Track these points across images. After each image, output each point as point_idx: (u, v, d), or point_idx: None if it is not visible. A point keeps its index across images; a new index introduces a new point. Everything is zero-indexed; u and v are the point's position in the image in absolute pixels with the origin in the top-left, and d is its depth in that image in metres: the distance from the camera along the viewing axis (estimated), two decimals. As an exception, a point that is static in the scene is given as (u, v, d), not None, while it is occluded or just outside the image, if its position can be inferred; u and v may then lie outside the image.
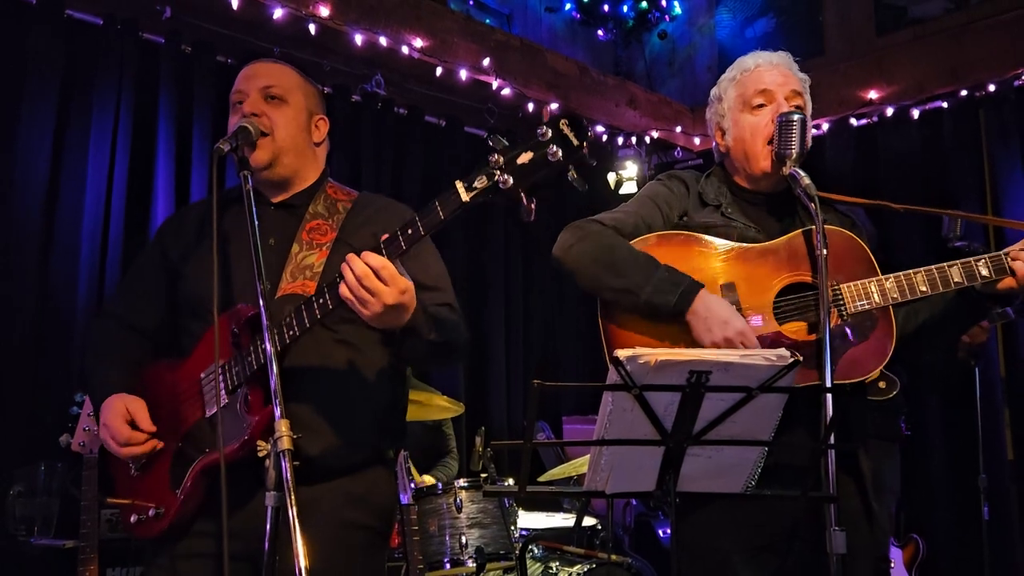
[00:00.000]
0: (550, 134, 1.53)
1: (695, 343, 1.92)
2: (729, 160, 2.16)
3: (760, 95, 2.08)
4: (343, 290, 1.63)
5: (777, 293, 1.98)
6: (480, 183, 1.57)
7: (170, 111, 4.28)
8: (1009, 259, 1.89)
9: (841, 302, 1.92)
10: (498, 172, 1.55)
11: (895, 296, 1.92)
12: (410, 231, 1.63)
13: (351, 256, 1.63)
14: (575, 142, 1.52)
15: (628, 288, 1.95)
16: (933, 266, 1.92)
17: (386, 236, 1.65)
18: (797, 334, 1.95)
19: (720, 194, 2.12)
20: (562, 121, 1.53)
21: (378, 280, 1.61)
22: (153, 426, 1.87)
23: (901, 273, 1.93)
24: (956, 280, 1.91)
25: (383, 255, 1.63)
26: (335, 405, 1.87)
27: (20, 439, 3.60)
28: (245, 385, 1.77)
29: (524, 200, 1.55)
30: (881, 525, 2.02)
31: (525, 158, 1.54)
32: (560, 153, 1.52)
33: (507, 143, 1.57)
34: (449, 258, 1.82)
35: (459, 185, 1.59)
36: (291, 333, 1.74)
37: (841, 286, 1.93)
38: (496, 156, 1.56)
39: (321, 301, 1.70)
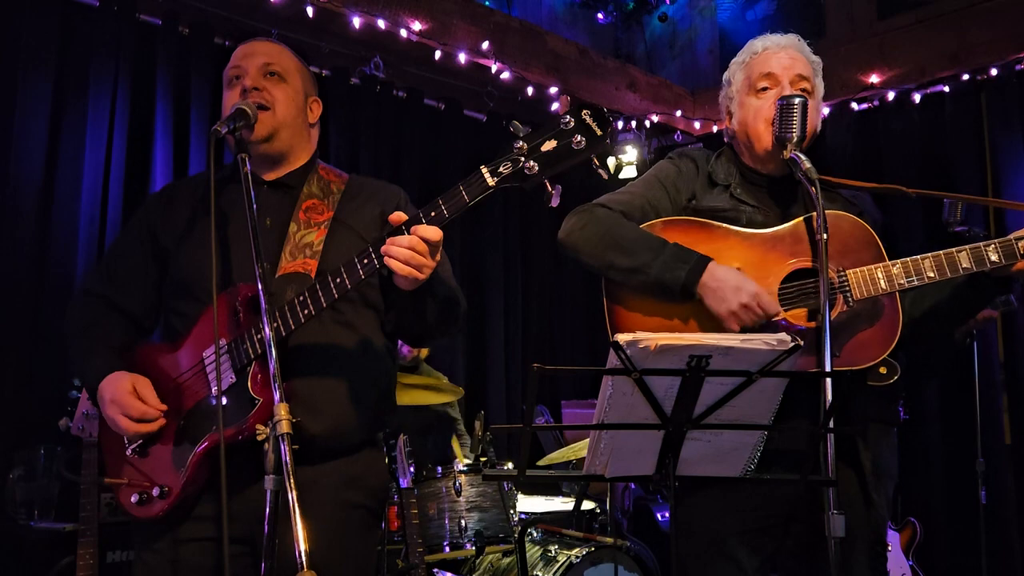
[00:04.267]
0: (573, 123, 1.59)
1: (705, 321, 1.91)
2: (736, 143, 2.16)
3: (765, 78, 2.08)
4: (398, 265, 1.65)
5: (783, 279, 1.98)
6: (506, 169, 1.61)
7: (167, 93, 4.26)
8: (1020, 244, 1.88)
9: (847, 288, 1.91)
10: (523, 159, 1.60)
11: (902, 282, 1.90)
12: (433, 213, 1.66)
13: (395, 238, 1.66)
14: (598, 132, 1.59)
15: (636, 267, 1.95)
16: (941, 252, 1.90)
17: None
18: (801, 320, 1.95)
19: (730, 174, 2.12)
20: (584, 111, 1.59)
21: (427, 248, 1.66)
22: (162, 404, 1.85)
23: (908, 259, 1.91)
24: (965, 265, 1.89)
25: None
26: (338, 385, 1.87)
27: (19, 423, 3.60)
28: (256, 363, 1.77)
29: (548, 186, 1.61)
30: (879, 511, 2.03)
31: (549, 146, 1.60)
32: (584, 142, 1.59)
33: (530, 131, 1.62)
34: (448, 243, 1.83)
35: (484, 170, 1.63)
36: (306, 312, 1.75)
37: (848, 272, 1.92)
38: (520, 143, 1.60)
39: (339, 280, 1.71)
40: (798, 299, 1.98)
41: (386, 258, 1.66)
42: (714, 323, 1.93)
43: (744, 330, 1.88)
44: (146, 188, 4.13)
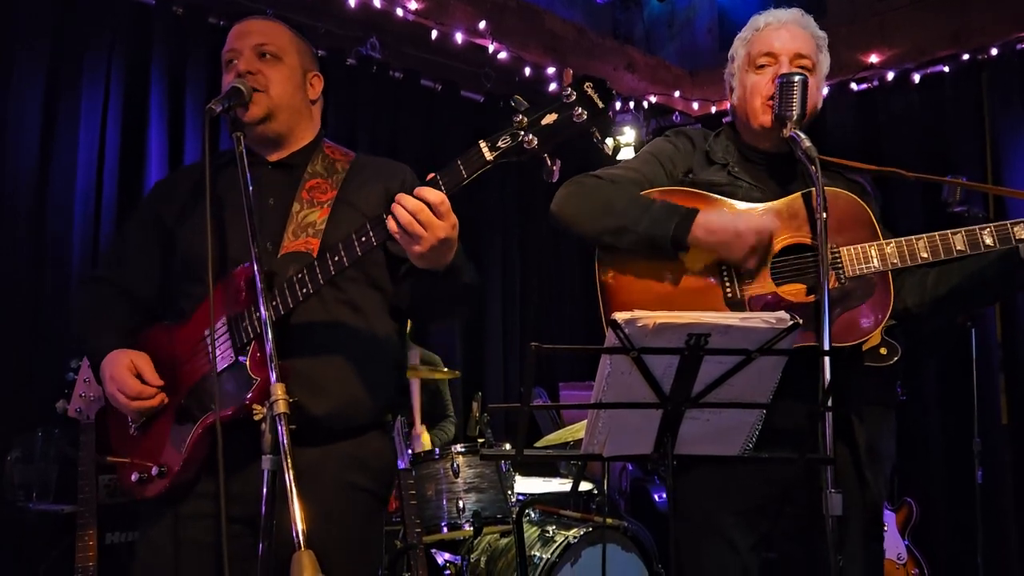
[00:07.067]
0: (575, 96, 1.56)
1: (694, 278, 1.92)
2: (737, 119, 2.16)
3: (765, 56, 2.08)
4: (393, 224, 1.61)
5: (776, 254, 1.98)
6: (504, 143, 1.59)
7: (162, 74, 4.23)
8: (1016, 230, 1.87)
9: (840, 265, 1.91)
10: (522, 132, 1.57)
11: (895, 262, 1.91)
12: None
13: (401, 195, 1.62)
14: (600, 104, 1.56)
15: (625, 225, 1.95)
16: (936, 233, 1.90)
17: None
18: (794, 295, 1.95)
19: (728, 153, 2.11)
20: (587, 83, 1.57)
21: (432, 214, 1.60)
22: (160, 380, 1.85)
23: (903, 239, 1.91)
24: (959, 248, 1.89)
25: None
26: (341, 365, 1.86)
27: (17, 405, 3.60)
28: (255, 342, 1.76)
29: (548, 161, 1.58)
30: (873, 491, 2.03)
31: (550, 119, 1.57)
32: (585, 115, 1.56)
33: (529, 105, 1.59)
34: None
35: (483, 144, 1.60)
36: (304, 290, 1.74)
37: (841, 249, 1.92)
38: (520, 117, 1.58)
39: (336, 258, 1.69)
40: (792, 274, 1.97)
41: (388, 218, 1.62)
42: (703, 279, 1.94)
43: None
44: (141, 171, 4.11)
